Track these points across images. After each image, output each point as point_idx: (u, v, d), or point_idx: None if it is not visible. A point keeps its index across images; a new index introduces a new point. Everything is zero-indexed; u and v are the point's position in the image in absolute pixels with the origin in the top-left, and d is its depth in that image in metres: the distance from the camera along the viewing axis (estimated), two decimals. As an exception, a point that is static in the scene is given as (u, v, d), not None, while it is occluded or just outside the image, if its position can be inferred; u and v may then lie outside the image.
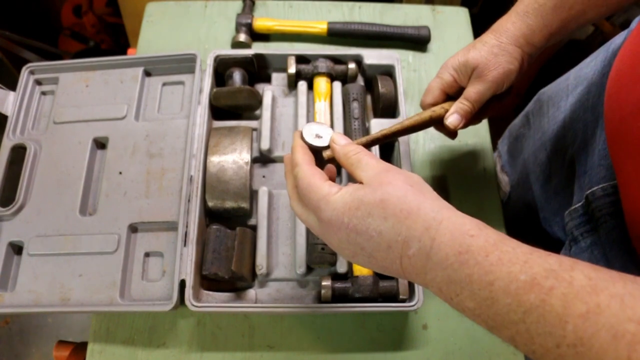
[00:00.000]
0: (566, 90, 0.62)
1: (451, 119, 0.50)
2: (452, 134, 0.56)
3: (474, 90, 0.49)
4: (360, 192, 0.33)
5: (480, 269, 0.28)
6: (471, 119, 0.53)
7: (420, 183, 0.34)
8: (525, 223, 0.73)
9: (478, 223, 0.32)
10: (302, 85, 0.66)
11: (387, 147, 0.64)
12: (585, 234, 0.52)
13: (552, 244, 0.65)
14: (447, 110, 0.51)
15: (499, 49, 0.48)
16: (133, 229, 0.59)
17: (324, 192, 0.35)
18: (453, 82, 0.51)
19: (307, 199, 0.36)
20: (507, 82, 0.49)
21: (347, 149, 0.38)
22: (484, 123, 0.73)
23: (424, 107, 0.54)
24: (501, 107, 0.55)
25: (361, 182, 0.35)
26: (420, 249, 0.31)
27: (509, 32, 0.48)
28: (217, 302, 0.55)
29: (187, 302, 0.52)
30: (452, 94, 0.53)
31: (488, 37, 0.49)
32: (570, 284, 0.26)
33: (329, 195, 0.35)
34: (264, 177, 0.63)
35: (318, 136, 0.41)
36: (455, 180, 0.69)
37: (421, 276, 0.32)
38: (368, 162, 0.36)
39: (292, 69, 0.65)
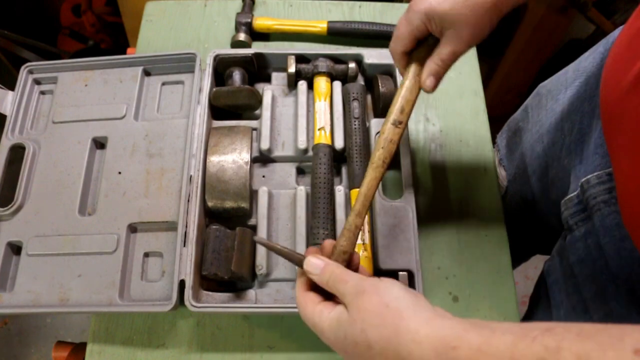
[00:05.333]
0: (565, 84, 0.62)
1: (428, 83, 0.48)
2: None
3: (450, 50, 0.47)
4: (344, 322, 0.36)
5: None
6: None
7: (397, 298, 0.35)
8: (522, 216, 0.74)
9: (458, 330, 0.31)
10: (302, 84, 0.66)
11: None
12: (579, 223, 0.52)
13: (548, 236, 0.66)
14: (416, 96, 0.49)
15: (479, 4, 0.44)
16: (132, 229, 0.59)
17: (315, 320, 0.38)
18: (424, 29, 0.48)
19: (304, 322, 0.40)
20: (481, 39, 0.46)
21: (324, 278, 0.39)
22: (484, 122, 0.73)
23: (395, 55, 0.52)
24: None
25: (345, 305, 0.37)
26: None
27: None
28: (216, 302, 0.55)
29: (186, 302, 0.52)
30: (421, 39, 0.50)
31: None
32: None
33: (319, 323, 0.38)
34: (263, 177, 0.63)
35: None
36: (455, 180, 0.68)
37: None
38: (345, 288, 0.37)
39: (292, 69, 0.65)
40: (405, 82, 0.49)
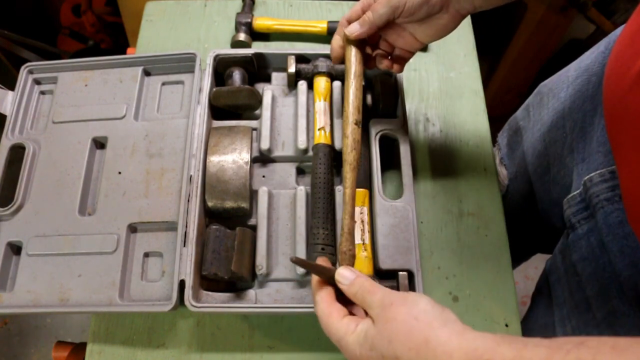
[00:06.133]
0: (567, 82, 0.62)
1: (350, 28, 0.51)
2: (392, 65, 0.55)
3: (379, 2, 0.49)
4: (371, 334, 0.35)
5: None
6: (401, 57, 0.54)
7: (425, 310, 0.34)
8: (523, 215, 0.74)
9: (489, 343, 0.31)
10: (302, 84, 0.66)
11: (389, 149, 0.63)
12: (582, 221, 0.53)
13: (549, 235, 0.66)
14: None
15: None
16: (132, 229, 0.59)
17: (340, 333, 0.38)
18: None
19: (327, 334, 0.39)
20: (411, 8, 0.47)
21: (353, 289, 0.39)
22: (484, 122, 0.73)
23: (333, 50, 0.55)
24: (437, 30, 0.51)
25: (372, 318, 0.37)
26: None
27: None
28: (216, 302, 0.55)
29: (186, 302, 0.52)
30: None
31: None
32: None
33: (345, 336, 0.37)
34: (263, 177, 0.63)
35: None
36: (455, 179, 0.68)
37: None
38: (372, 299, 0.37)
39: (292, 69, 0.65)
40: (350, 83, 0.52)
